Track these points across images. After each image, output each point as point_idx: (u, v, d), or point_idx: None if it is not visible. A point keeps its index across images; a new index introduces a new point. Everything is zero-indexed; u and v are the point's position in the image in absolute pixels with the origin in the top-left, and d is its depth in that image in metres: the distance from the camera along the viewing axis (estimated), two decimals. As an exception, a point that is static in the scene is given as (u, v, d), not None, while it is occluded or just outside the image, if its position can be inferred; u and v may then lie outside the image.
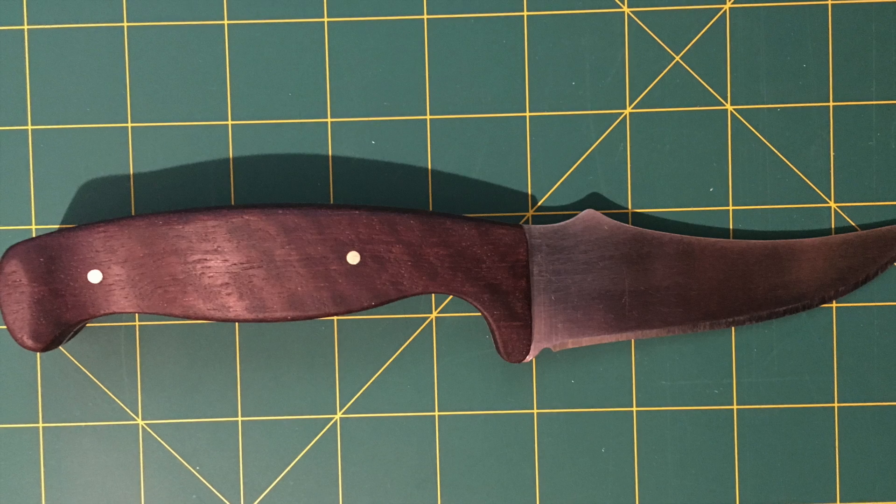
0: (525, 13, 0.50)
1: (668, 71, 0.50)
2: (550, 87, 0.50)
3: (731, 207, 0.50)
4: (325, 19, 0.50)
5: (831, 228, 0.50)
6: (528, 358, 0.48)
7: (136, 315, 0.50)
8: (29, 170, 0.50)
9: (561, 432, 0.50)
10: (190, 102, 0.50)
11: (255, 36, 0.50)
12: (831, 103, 0.50)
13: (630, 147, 0.50)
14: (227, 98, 0.50)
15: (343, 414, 0.51)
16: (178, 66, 0.50)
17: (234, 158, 0.50)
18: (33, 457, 0.50)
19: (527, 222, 0.50)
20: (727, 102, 0.50)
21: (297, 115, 0.50)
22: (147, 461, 0.50)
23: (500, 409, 0.50)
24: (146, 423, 0.50)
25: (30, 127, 0.50)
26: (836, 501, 0.50)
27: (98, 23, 0.50)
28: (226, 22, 0.50)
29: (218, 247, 0.46)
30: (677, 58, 0.50)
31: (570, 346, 0.48)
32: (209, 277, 0.46)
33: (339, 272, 0.47)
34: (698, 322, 0.49)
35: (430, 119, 0.50)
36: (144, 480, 0.50)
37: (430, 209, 0.50)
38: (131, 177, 0.50)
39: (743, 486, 0.50)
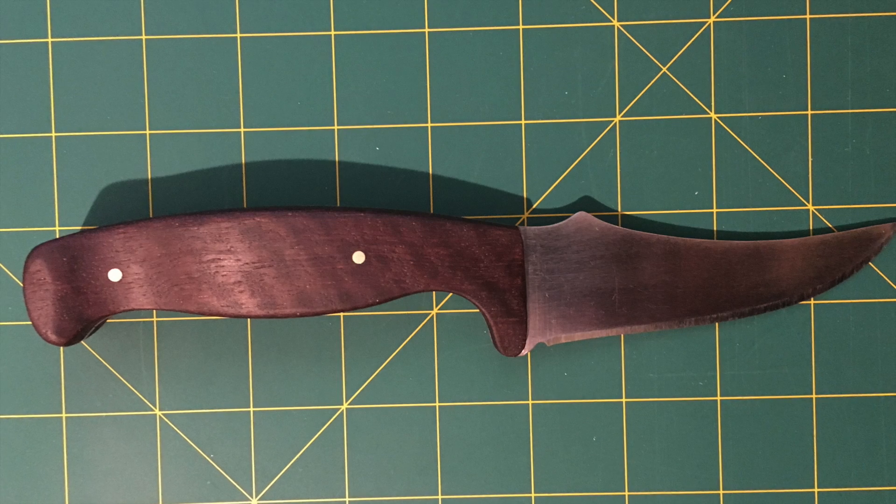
0: (521, 27, 0.51)
1: (655, 81, 0.51)
2: (544, 96, 0.51)
3: (714, 210, 0.51)
4: (332, 32, 0.51)
5: (809, 230, 0.51)
6: (524, 352, 0.48)
7: (154, 311, 0.51)
8: (53, 174, 0.51)
9: (554, 422, 0.51)
10: (204, 111, 0.51)
11: (266, 48, 0.51)
12: (809, 111, 0.51)
13: (619, 153, 0.51)
14: (239, 106, 0.51)
15: (349, 405, 0.51)
16: (194, 77, 0.51)
17: (246, 163, 0.51)
18: (57, 445, 0.51)
19: (522, 224, 0.51)
20: (711, 111, 0.51)
21: (305, 123, 0.51)
22: (164, 449, 0.51)
23: (498, 401, 0.51)
24: (163, 414, 0.51)
25: (53, 134, 0.51)
26: (813, 487, 0.51)
27: (118, 36, 0.51)
28: (238, 35, 0.51)
29: (231, 247, 0.47)
30: (664, 69, 0.51)
31: (563, 340, 0.49)
32: (223, 276, 0.47)
33: (345, 271, 0.47)
34: (684, 318, 0.49)
35: (432, 126, 0.51)
36: (162, 467, 0.51)
37: (431, 211, 0.51)
38: (149, 181, 0.51)
39: (726, 472, 0.51)
